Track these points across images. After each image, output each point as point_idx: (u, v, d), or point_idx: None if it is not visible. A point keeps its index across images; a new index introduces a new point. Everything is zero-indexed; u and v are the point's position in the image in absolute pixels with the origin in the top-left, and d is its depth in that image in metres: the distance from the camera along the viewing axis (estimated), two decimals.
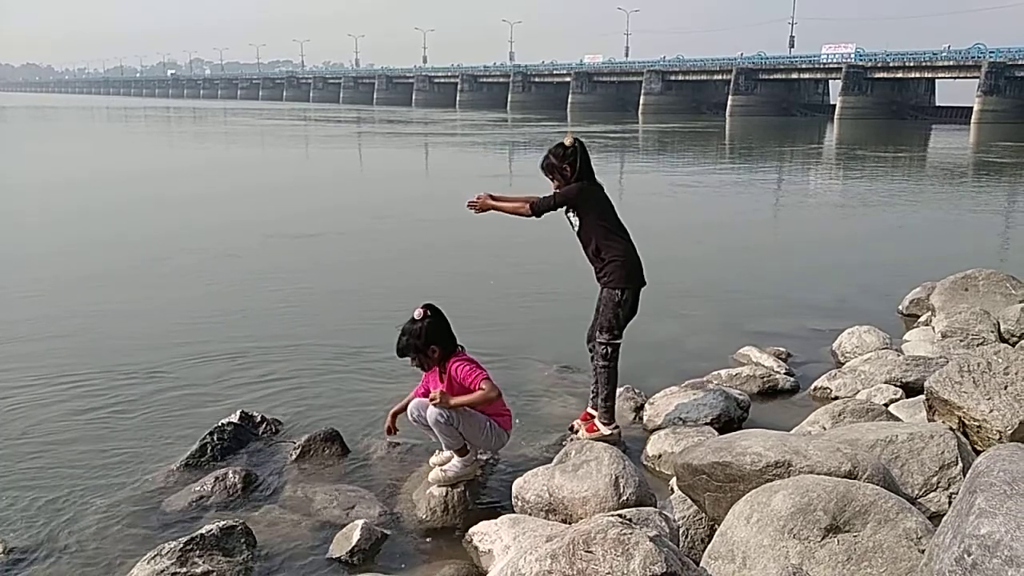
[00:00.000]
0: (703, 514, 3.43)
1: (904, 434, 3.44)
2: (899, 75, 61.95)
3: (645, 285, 4.53)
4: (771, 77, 69.01)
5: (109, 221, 13.05)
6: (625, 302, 4.43)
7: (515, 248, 10.04)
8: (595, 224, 4.40)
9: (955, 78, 60.73)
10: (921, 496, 3.26)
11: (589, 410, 4.73)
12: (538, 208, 4.40)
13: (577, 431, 4.67)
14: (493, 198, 4.51)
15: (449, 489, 3.93)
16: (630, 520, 2.70)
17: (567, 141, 4.37)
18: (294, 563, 3.49)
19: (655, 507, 3.49)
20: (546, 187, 4.47)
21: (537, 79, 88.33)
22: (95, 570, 3.45)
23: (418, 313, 3.92)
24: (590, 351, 4.63)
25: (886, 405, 4.71)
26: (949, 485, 3.26)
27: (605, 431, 4.51)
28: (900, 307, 7.72)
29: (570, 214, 4.44)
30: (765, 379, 5.54)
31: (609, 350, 4.47)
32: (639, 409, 5.09)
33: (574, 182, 4.35)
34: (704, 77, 75.25)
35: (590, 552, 2.51)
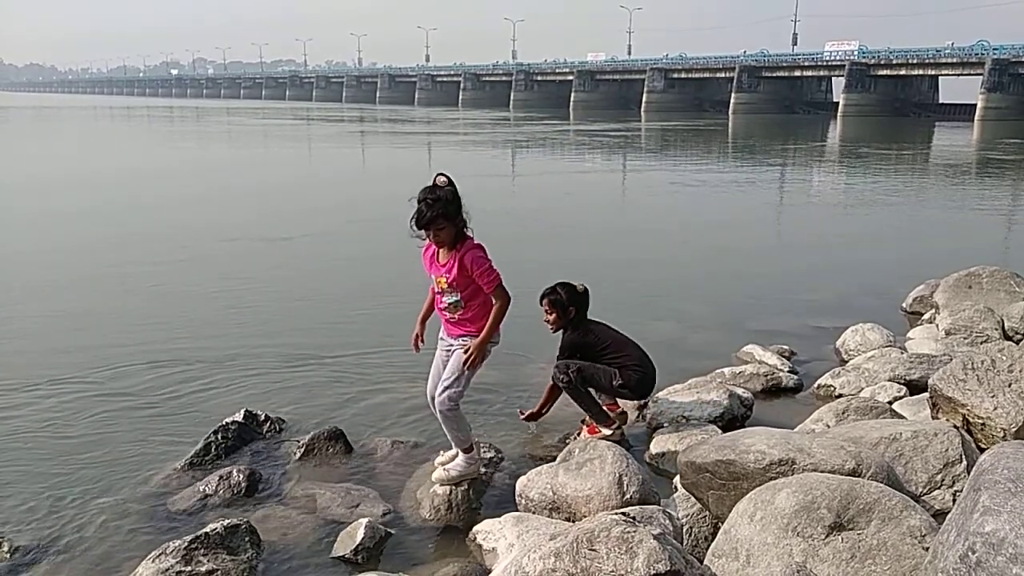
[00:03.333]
0: (707, 512, 3.43)
1: (908, 432, 3.44)
2: (902, 72, 61.80)
3: (647, 398, 4.67)
4: (774, 75, 68.87)
5: (101, 221, 13.06)
6: (619, 392, 4.54)
7: (511, 246, 10.06)
8: (602, 358, 4.51)
9: (958, 75, 60.59)
10: (925, 494, 3.26)
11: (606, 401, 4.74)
12: (557, 379, 4.52)
13: (584, 422, 4.69)
14: (537, 413, 4.68)
15: (453, 488, 3.93)
16: (634, 518, 2.70)
17: (579, 287, 4.54)
18: (298, 561, 3.49)
19: (659, 505, 3.49)
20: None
21: (540, 77, 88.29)
22: (100, 569, 3.46)
23: (441, 180, 3.71)
24: (556, 366, 4.61)
25: (890, 403, 4.71)
26: (953, 483, 3.26)
27: (606, 432, 4.51)
28: (904, 305, 7.71)
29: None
30: (768, 377, 5.54)
31: (567, 378, 4.48)
32: (642, 407, 5.08)
33: (571, 322, 4.50)
34: (707, 75, 75.14)
35: (594, 550, 2.52)
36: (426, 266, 3.93)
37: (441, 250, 3.83)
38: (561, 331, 4.58)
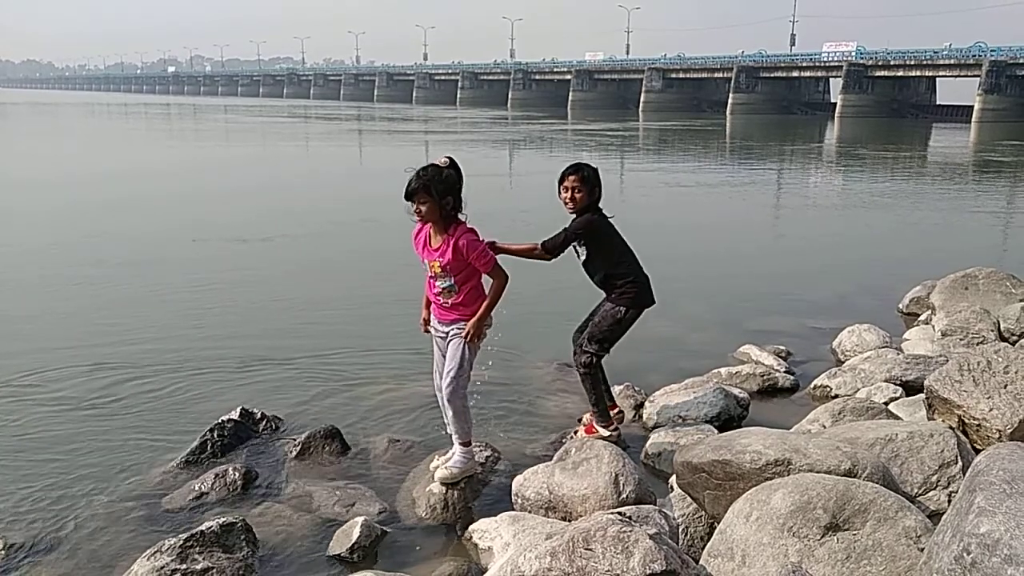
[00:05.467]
0: (702, 512, 3.43)
1: (904, 433, 3.44)
2: (900, 73, 61.89)
3: (654, 304, 4.52)
4: (772, 75, 68.94)
5: (107, 217, 13.05)
6: (626, 321, 4.44)
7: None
8: (604, 256, 4.39)
9: (956, 76, 60.68)
10: (921, 495, 3.26)
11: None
12: (552, 248, 4.33)
13: (576, 430, 4.67)
14: (498, 245, 4.26)
15: (449, 486, 3.93)
16: (630, 518, 2.70)
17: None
18: (294, 560, 3.49)
19: (655, 505, 3.49)
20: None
21: (538, 77, 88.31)
22: (96, 566, 3.46)
23: (443, 161, 3.75)
24: (574, 354, 4.60)
25: (886, 404, 4.72)
26: (948, 484, 3.26)
27: (604, 433, 4.50)
28: (900, 306, 7.73)
29: (578, 246, 4.41)
30: (765, 377, 5.55)
31: (593, 360, 4.46)
32: (639, 407, 5.09)
33: (589, 206, 4.33)
34: (705, 75, 75.21)
35: (590, 550, 2.52)
36: (417, 251, 3.93)
37: (434, 235, 3.83)
38: (575, 216, 4.35)
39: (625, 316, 4.41)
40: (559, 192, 4.36)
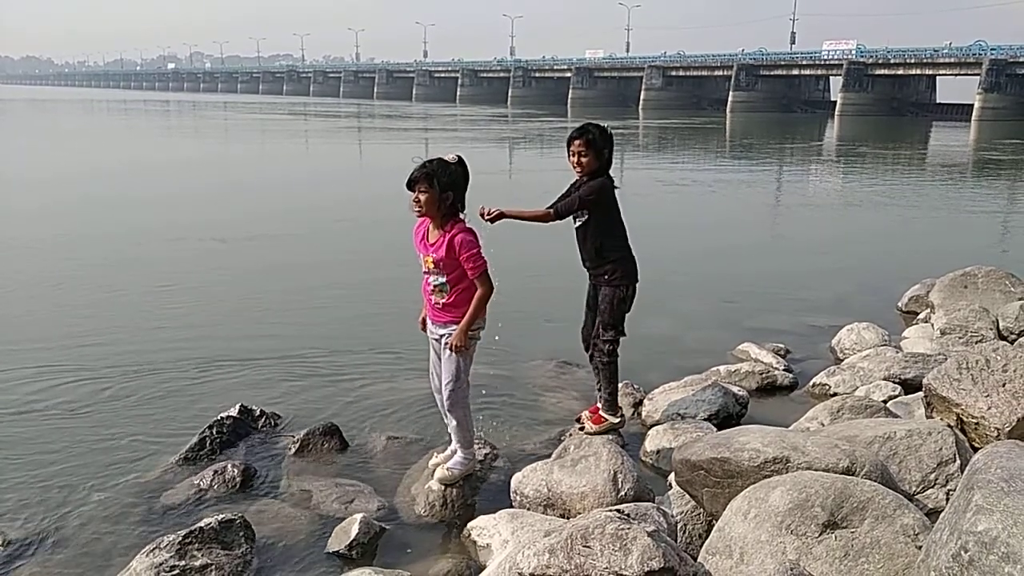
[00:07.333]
0: (701, 509, 3.44)
1: (902, 431, 3.45)
2: (900, 72, 61.78)
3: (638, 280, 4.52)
4: (772, 73, 68.82)
5: (115, 213, 13.05)
6: (629, 298, 4.42)
7: (504, 245, 10.02)
8: (605, 224, 4.31)
9: (956, 75, 60.57)
10: (919, 493, 3.27)
11: (598, 404, 4.70)
12: (564, 212, 4.24)
13: (583, 426, 4.65)
14: (506, 212, 4.15)
15: (448, 484, 3.93)
16: (628, 515, 2.71)
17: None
18: (293, 556, 3.49)
19: (653, 502, 3.50)
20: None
21: (538, 74, 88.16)
22: (94, 563, 3.46)
23: (452, 157, 3.73)
24: (588, 350, 4.58)
25: (884, 402, 4.72)
26: (947, 482, 3.27)
27: (614, 420, 4.49)
28: (899, 304, 7.73)
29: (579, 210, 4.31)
30: (764, 375, 5.55)
31: (613, 347, 4.44)
32: (638, 405, 5.10)
33: (599, 170, 4.25)
34: (705, 73, 75.10)
35: (588, 547, 2.52)
36: (416, 245, 3.90)
37: (432, 229, 3.79)
38: (584, 180, 4.25)
39: (628, 293, 4.39)
40: (568, 156, 4.29)
